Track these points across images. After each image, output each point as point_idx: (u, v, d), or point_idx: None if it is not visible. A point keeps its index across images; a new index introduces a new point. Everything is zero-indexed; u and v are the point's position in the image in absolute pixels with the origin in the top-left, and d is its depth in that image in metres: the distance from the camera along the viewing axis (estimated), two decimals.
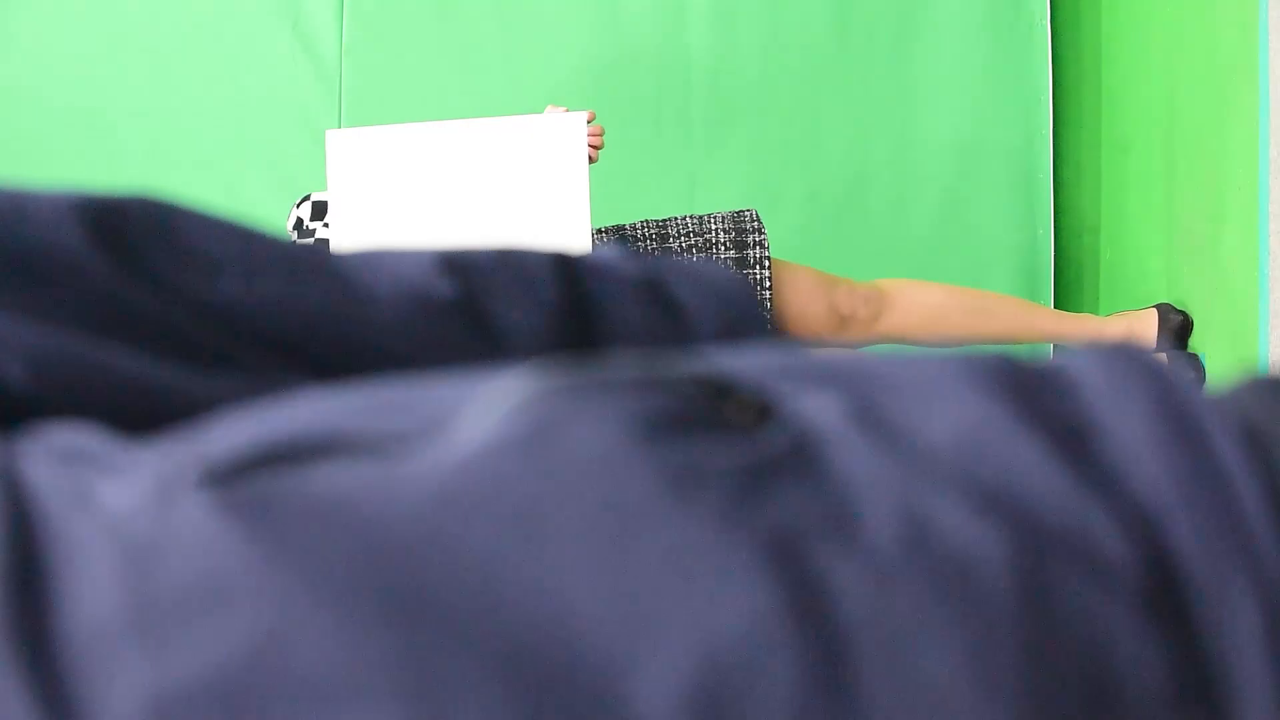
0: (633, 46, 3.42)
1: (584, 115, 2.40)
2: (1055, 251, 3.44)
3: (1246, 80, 2.48)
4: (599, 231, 2.57)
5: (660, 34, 3.42)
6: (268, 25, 3.39)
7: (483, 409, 0.44)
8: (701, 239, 2.57)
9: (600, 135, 2.43)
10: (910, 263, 3.39)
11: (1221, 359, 2.58)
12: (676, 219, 2.61)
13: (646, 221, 2.61)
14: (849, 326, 2.67)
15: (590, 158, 2.40)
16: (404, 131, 2.42)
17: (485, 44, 3.41)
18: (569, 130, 2.40)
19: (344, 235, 2.39)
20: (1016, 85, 3.44)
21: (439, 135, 2.42)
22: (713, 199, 3.37)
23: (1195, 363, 2.65)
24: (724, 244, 2.56)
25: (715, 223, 2.59)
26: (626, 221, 2.62)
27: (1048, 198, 3.44)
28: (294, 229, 2.53)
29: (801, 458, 0.43)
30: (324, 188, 2.54)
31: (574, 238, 2.38)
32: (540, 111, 2.45)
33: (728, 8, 3.42)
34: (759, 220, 2.60)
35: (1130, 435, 0.45)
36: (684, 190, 3.41)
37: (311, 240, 2.51)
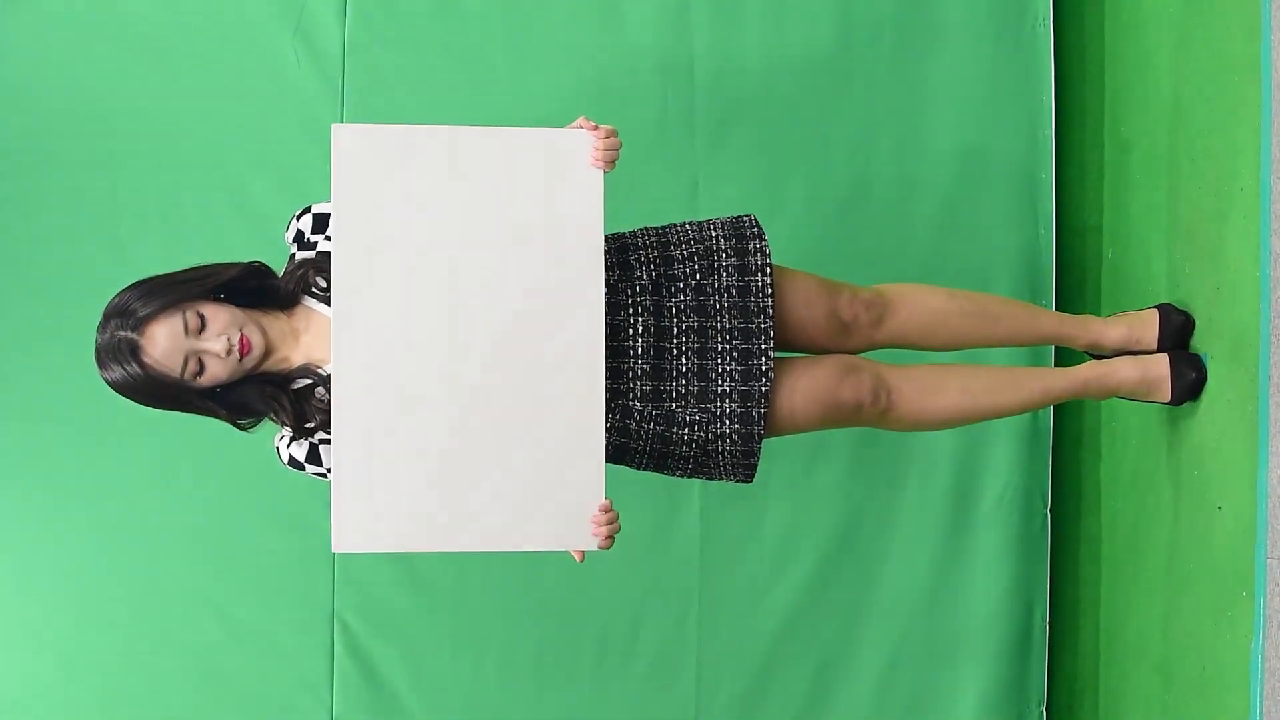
0: (636, 49, 3.41)
1: (603, 130, 2.41)
2: (1057, 251, 3.45)
3: (1249, 80, 2.48)
4: None
5: (664, 37, 3.42)
6: (270, 26, 3.39)
7: None
8: (702, 246, 2.56)
9: (617, 150, 2.43)
10: (913, 263, 3.39)
11: (1224, 359, 2.58)
12: (676, 227, 2.61)
13: (646, 229, 2.61)
14: (851, 332, 2.67)
15: (607, 166, 2.41)
16: (415, 132, 2.38)
17: (488, 45, 3.41)
18: (583, 145, 2.40)
19: (345, 238, 2.37)
20: (1019, 86, 3.44)
21: (451, 139, 2.38)
22: (715, 202, 3.37)
23: (1197, 363, 2.65)
24: (725, 251, 2.55)
25: (715, 229, 2.59)
26: (626, 229, 2.62)
27: (1050, 198, 3.44)
28: (294, 241, 2.52)
29: None
30: (326, 196, 2.53)
31: (587, 251, 2.38)
32: (550, 116, 2.44)
33: (731, 11, 3.42)
34: (759, 225, 2.60)
35: None
36: (686, 193, 3.41)
37: (312, 254, 2.50)
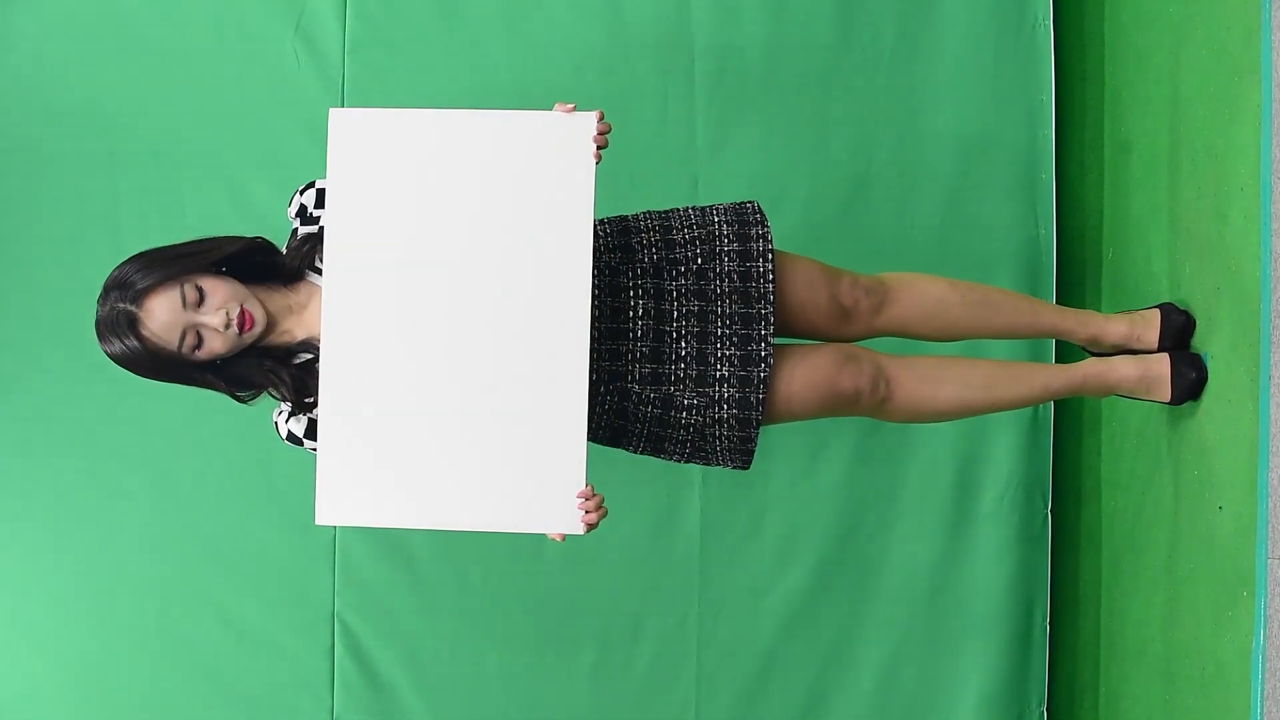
0: (637, 43, 3.42)
1: (594, 115, 2.40)
2: (1058, 251, 3.45)
3: (1249, 79, 2.48)
4: (602, 223, 2.57)
5: (665, 29, 3.42)
6: (270, 24, 3.39)
7: None
8: (704, 231, 2.56)
9: (606, 134, 2.42)
10: (913, 261, 3.39)
11: (1224, 359, 2.58)
12: (679, 210, 2.61)
13: (649, 213, 2.61)
14: (851, 318, 2.67)
15: (595, 157, 2.40)
16: (410, 116, 2.42)
17: (488, 43, 3.41)
18: (578, 128, 2.40)
19: (340, 219, 2.38)
20: (1020, 84, 3.44)
21: (446, 122, 2.41)
22: (716, 197, 3.37)
23: (1197, 363, 2.65)
24: (727, 236, 2.56)
25: (718, 214, 2.59)
26: (629, 213, 2.63)
27: (1051, 197, 3.44)
28: (296, 215, 2.53)
29: None
30: (325, 178, 2.54)
31: (575, 234, 2.38)
32: (546, 109, 2.44)
33: (732, 6, 3.42)
34: (761, 212, 2.60)
35: None
36: (687, 188, 3.41)
37: (315, 228, 2.51)
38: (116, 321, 2.37)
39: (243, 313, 2.40)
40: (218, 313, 2.38)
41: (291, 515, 3.38)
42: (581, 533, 2.41)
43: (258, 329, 2.42)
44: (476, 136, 2.40)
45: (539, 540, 3.31)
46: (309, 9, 3.39)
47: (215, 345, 2.39)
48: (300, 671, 3.43)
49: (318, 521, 2.39)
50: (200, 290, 2.38)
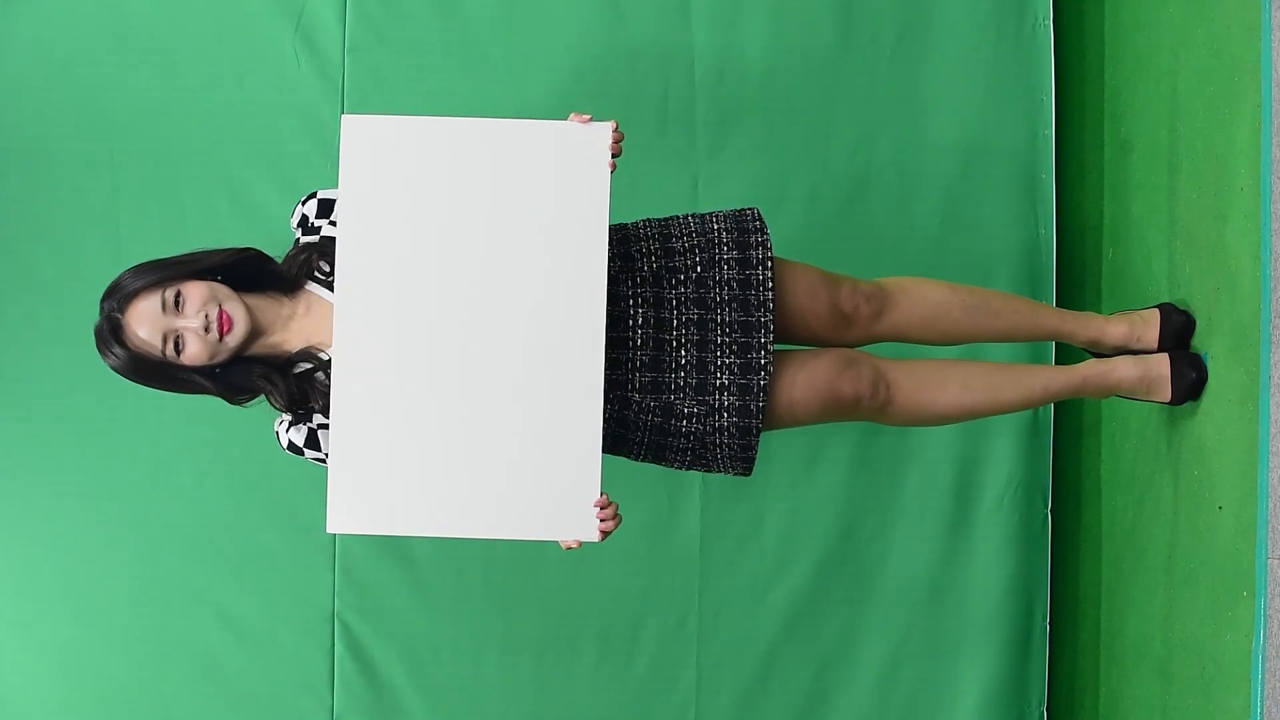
0: (637, 46, 3.42)
1: (610, 124, 2.40)
2: (1058, 251, 3.45)
3: (1249, 80, 2.48)
4: None
5: (665, 34, 3.42)
6: (270, 24, 3.39)
7: None
8: (704, 238, 2.56)
9: (620, 142, 2.43)
10: (913, 262, 3.40)
11: (1224, 359, 2.58)
12: (678, 218, 2.61)
13: (649, 221, 2.61)
14: (851, 324, 2.67)
15: (610, 166, 2.40)
16: (423, 123, 2.40)
17: (488, 44, 3.41)
18: (595, 139, 2.40)
19: (352, 226, 2.37)
20: (1019, 85, 3.44)
21: (459, 130, 2.40)
22: (716, 198, 3.38)
23: (1197, 363, 2.65)
24: (726, 243, 2.56)
25: (717, 222, 2.59)
26: (629, 220, 2.62)
27: (1050, 197, 3.44)
28: (298, 226, 2.53)
29: None
30: (327, 187, 2.53)
31: (590, 243, 2.38)
32: (551, 116, 2.44)
33: (732, 7, 3.42)
34: (761, 219, 2.60)
35: None
36: (688, 189, 3.41)
37: (316, 238, 2.50)
38: (103, 329, 2.39)
39: (221, 315, 2.39)
40: (197, 315, 2.38)
41: (292, 515, 3.38)
42: (597, 540, 2.41)
43: (238, 331, 2.41)
44: (491, 144, 2.39)
45: (539, 541, 3.31)
46: (309, 9, 3.39)
47: (196, 349, 2.39)
48: (300, 671, 3.43)
49: (329, 530, 2.38)
50: (179, 294, 2.38)
